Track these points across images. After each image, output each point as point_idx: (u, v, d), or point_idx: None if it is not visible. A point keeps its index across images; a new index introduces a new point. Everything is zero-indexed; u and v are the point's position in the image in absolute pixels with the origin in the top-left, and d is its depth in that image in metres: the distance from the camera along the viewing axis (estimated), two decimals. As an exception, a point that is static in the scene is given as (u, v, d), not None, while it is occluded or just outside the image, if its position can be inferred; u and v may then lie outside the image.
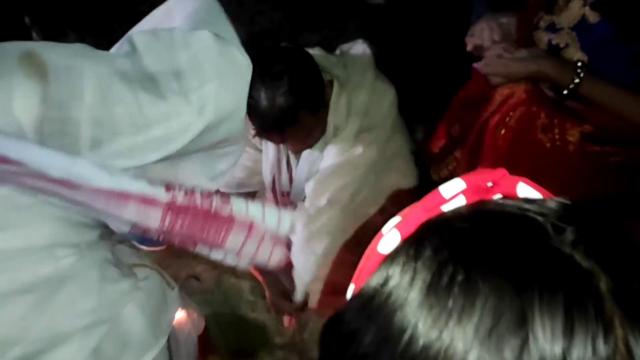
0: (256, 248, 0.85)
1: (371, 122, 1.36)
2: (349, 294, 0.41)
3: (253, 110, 1.18)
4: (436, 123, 1.53)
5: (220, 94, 0.76)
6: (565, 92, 1.09)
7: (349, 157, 1.28)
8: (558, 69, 1.09)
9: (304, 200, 1.38)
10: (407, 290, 0.33)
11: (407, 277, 0.34)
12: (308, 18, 3.22)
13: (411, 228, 0.38)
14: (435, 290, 0.32)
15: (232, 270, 2.07)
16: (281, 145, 1.41)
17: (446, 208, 0.38)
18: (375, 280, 0.36)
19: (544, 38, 1.17)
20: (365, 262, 0.40)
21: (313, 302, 1.45)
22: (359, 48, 1.41)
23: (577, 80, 1.06)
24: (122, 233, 2.13)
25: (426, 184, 1.54)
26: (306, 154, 1.43)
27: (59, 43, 0.71)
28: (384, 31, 3.15)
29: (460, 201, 0.38)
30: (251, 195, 1.52)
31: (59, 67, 0.65)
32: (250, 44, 3.29)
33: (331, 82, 1.31)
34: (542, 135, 1.18)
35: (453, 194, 0.38)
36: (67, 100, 0.65)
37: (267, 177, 1.47)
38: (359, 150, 1.30)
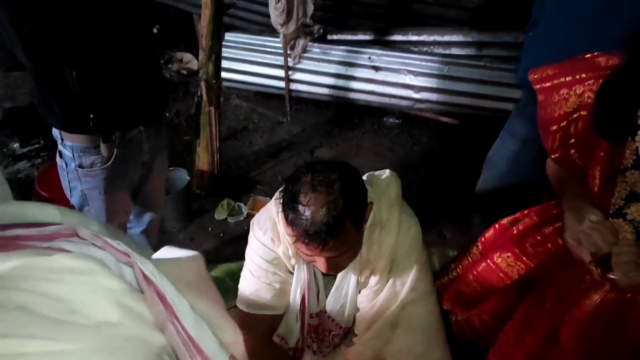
0: None
1: (397, 256, 1.41)
2: None
3: (298, 215, 1.14)
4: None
5: None
6: None
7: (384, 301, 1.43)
8: None
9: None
10: None
11: None
12: (325, 133, 3.33)
13: None
14: None
15: None
16: (312, 266, 1.39)
17: None
18: None
19: (627, 227, 1.10)
20: None
21: None
22: (387, 179, 1.43)
23: None
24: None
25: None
26: (341, 275, 1.44)
27: None
28: (398, 150, 3.23)
29: None
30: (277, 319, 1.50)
31: None
32: (267, 154, 3.35)
33: (371, 205, 1.30)
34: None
35: None
36: None
37: (296, 298, 1.45)
38: (391, 290, 1.42)
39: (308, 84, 3.33)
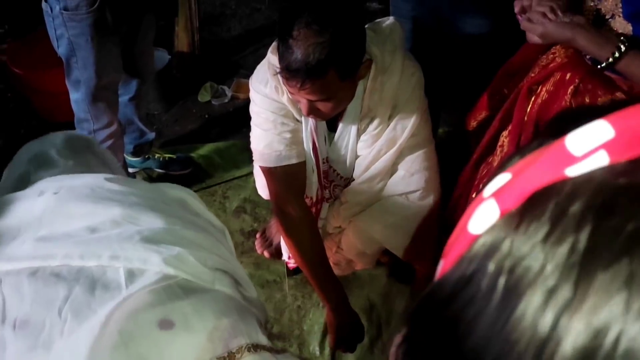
0: None
1: (399, 102, 1.41)
2: (439, 271, 0.33)
3: (286, 48, 1.14)
4: (475, 98, 1.51)
5: None
6: (602, 65, 1.06)
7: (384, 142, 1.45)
8: (594, 41, 1.04)
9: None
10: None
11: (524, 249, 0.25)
12: (307, 17, 3.22)
13: (516, 199, 0.27)
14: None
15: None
16: None
17: (574, 171, 0.25)
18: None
19: (590, 7, 1.16)
20: (455, 239, 0.31)
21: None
22: (390, 24, 1.40)
23: (616, 55, 1.02)
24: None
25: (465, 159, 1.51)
26: (342, 126, 1.45)
27: None
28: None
29: (600, 159, 0.25)
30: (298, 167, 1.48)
31: None
32: (247, 40, 3.23)
33: (370, 63, 1.28)
34: (571, 99, 1.16)
35: (589, 148, 0.25)
36: None
37: (309, 145, 1.44)
38: (391, 134, 1.43)
39: (287, -34, 3.17)
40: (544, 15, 1.07)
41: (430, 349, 0.29)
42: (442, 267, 0.32)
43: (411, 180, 1.49)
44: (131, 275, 0.68)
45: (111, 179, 0.85)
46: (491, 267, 0.26)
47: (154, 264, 0.70)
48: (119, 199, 0.79)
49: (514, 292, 0.24)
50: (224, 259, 0.81)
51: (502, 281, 0.25)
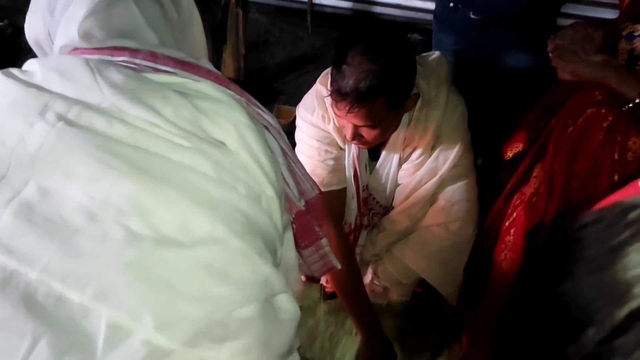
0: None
1: (442, 133, 1.43)
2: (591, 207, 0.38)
3: (340, 72, 1.19)
4: (510, 129, 1.52)
5: None
6: (628, 105, 1.10)
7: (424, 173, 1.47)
8: (625, 81, 1.08)
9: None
10: None
11: None
12: (349, 46, 3.28)
13: None
14: None
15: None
16: None
17: None
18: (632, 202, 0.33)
19: (625, 47, 1.17)
20: (621, 190, 0.37)
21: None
22: (436, 58, 1.43)
23: None
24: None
25: (496, 189, 1.51)
26: (384, 154, 1.48)
27: None
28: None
29: None
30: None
31: None
32: (290, 67, 3.31)
33: (417, 96, 1.33)
34: (604, 137, 1.17)
35: None
36: None
37: (349, 170, 1.47)
38: (433, 165, 1.46)
39: (332, -4, 3.26)
40: (576, 54, 1.11)
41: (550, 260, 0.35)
42: (597, 204, 0.38)
43: (451, 210, 1.50)
44: (113, 335, 0.54)
45: (145, 93, 0.63)
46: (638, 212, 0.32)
47: (144, 327, 0.54)
48: (136, 160, 0.59)
49: None
50: (263, 271, 0.60)
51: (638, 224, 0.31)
